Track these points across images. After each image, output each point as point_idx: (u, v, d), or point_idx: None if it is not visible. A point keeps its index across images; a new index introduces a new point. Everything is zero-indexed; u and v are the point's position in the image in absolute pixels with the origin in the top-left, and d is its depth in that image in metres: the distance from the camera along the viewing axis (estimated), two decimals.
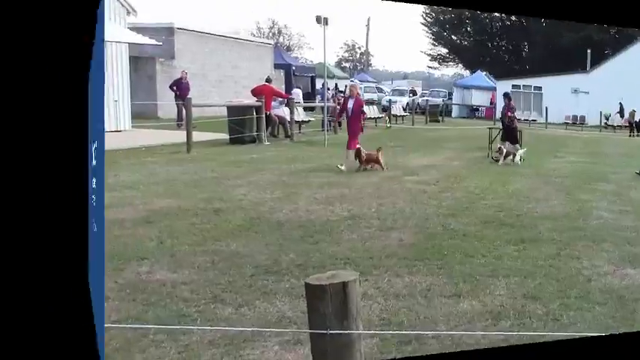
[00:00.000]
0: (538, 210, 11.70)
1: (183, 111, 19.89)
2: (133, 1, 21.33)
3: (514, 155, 18.90)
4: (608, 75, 48.60)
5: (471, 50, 75.29)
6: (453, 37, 77.23)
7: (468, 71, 76.60)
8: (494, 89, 55.17)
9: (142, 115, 23.42)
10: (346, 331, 2.52)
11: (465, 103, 56.21)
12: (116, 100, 20.35)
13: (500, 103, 51.01)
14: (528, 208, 11.92)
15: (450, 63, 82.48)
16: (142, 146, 17.73)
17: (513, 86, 54.08)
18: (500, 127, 21.04)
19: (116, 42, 19.67)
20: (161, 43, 24.39)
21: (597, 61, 52.29)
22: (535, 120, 48.21)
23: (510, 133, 20.07)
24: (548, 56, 66.35)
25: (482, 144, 21.85)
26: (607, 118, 45.08)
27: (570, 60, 61.71)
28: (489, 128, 22.45)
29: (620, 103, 45.18)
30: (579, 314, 6.23)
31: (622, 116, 45.16)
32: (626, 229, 9.93)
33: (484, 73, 61.78)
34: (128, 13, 21.20)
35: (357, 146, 15.19)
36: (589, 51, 54.07)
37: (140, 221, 9.01)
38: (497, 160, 18.92)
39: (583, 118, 48.09)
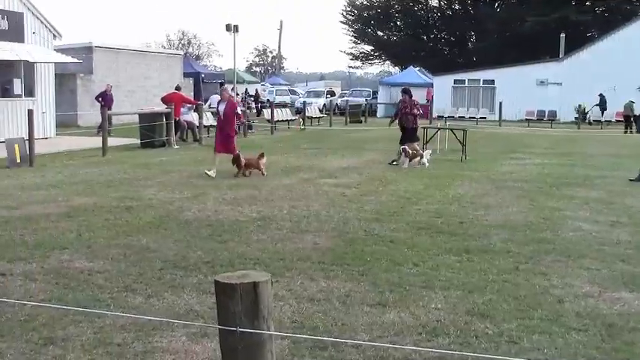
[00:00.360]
0: (489, 218, 11.80)
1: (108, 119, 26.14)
2: (58, 25, 29.60)
3: (421, 156, 19.83)
4: (585, 63, 50.71)
5: (400, 45, 79.92)
6: (379, 32, 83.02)
7: (397, 68, 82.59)
8: (430, 85, 57.33)
9: (65, 123, 31.11)
10: (257, 331, 3.04)
11: (394, 102, 58.00)
12: (44, 112, 27.87)
13: (446, 99, 53.71)
14: (475, 215, 12.06)
15: (375, 61, 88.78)
16: (65, 151, 23.20)
17: (456, 81, 56.13)
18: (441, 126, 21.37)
19: (45, 62, 27.98)
20: (81, 61, 33.27)
21: (572, 48, 54.17)
22: (484, 117, 50.14)
23: (412, 134, 20.71)
24: (502, 45, 68.74)
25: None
26: (584, 113, 46.93)
27: (536, 48, 64.30)
28: (423, 128, 22.90)
29: (602, 94, 47.16)
30: (546, 339, 6.14)
31: (603, 110, 47.21)
32: (617, 244, 10.04)
33: (417, 68, 64.14)
34: (54, 37, 29.15)
35: (236, 152, 17.48)
36: (562, 35, 56.06)
37: (62, 216, 11.63)
38: (396, 163, 19.88)
39: (553, 113, 49.76)
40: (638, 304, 7.23)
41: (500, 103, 46.88)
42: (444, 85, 55.83)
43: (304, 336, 6.02)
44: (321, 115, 45.74)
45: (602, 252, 9.51)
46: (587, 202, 13.77)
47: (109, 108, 28.59)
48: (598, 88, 47.64)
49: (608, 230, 11.00)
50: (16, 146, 18.71)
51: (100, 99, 31.55)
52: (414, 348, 5.73)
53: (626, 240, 10.28)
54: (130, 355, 5.59)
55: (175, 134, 26.09)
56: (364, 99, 59.49)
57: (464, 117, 50.26)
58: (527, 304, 7.14)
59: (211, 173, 16.75)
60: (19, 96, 26.77)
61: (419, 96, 55.52)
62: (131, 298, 7.18)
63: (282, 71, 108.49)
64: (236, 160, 17.22)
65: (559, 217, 12.02)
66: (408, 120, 20.68)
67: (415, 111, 20.79)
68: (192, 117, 28.59)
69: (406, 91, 21.45)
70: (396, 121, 21.18)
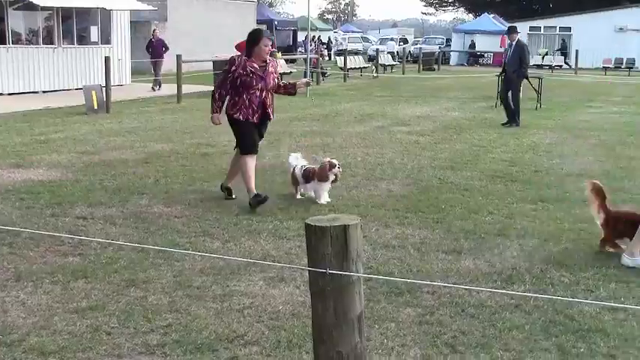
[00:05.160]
0: (564, 167, 11.66)
1: (160, 70, 27.61)
2: None
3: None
4: None
5: None
6: None
7: (471, 15, 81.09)
8: (505, 33, 55.90)
9: (140, 71, 30.85)
10: (346, 273, 3.12)
11: (467, 50, 57.58)
12: (120, 59, 28.17)
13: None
14: (550, 164, 11.93)
15: (449, 7, 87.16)
16: (140, 98, 24.05)
17: (531, 28, 54.83)
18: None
19: (121, 10, 28.45)
20: (156, 8, 33.37)
21: None
22: (561, 66, 48.96)
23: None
24: None
25: (488, 93, 22.09)
26: None
27: None
28: (497, 75, 22.53)
29: None
30: (623, 287, 6.06)
31: None
32: None
33: (492, 15, 62.81)
34: None
35: None
36: None
37: (139, 162, 11.94)
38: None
39: (632, 61, 48.30)
40: None
41: (577, 51, 45.67)
42: (520, 32, 54.52)
43: (386, 277, 6.09)
44: (395, 63, 45.34)
45: None
46: None
47: (159, 56, 27.73)
48: None
49: None
50: (94, 93, 19.06)
51: (149, 49, 28.69)
52: (490, 291, 5.75)
53: None
54: (209, 298, 5.69)
55: None
56: (437, 46, 58.78)
57: (540, 65, 49.20)
58: (604, 253, 7.04)
59: None
60: (96, 43, 27.23)
61: (493, 43, 55.26)
62: (209, 243, 7.29)
63: (354, 18, 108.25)
64: None
65: (636, 167, 11.78)
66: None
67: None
68: None
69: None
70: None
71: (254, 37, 8.72)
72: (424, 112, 20.03)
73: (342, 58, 35.54)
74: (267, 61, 8.77)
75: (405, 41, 64.80)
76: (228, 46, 33.83)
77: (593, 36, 49.48)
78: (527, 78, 18.14)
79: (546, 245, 7.27)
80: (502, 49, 51.12)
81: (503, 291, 5.88)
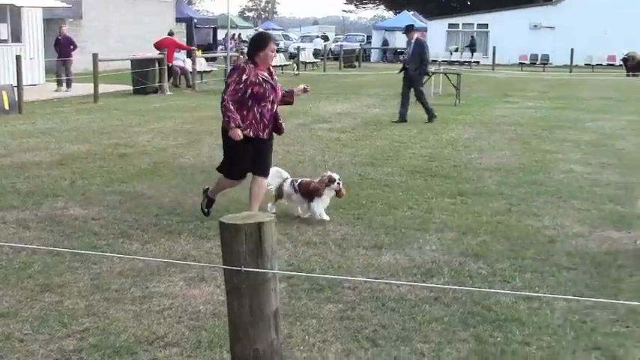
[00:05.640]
0: (482, 161, 11.90)
1: (69, 69, 26.13)
2: None
3: None
4: (578, 7, 50.34)
5: None
6: None
7: (391, 12, 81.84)
8: (424, 30, 57.00)
9: (54, 69, 28.74)
10: (261, 270, 3.13)
11: (387, 47, 58.32)
12: (32, 58, 27.16)
13: (440, 44, 53.48)
14: (469, 158, 12.16)
15: (369, 4, 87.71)
16: (55, 98, 23.40)
17: (450, 25, 55.79)
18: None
19: (31, 7, 27.57)
20: (70, 5, 32.63)
21: None
22: (478, 62, 49.97)
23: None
24: None
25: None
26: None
27: None
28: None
29: None
30: (537, 277, 6.25)
31: None
32: (606, 185, 10.15)
33: (411, 12, 63.74)
34: None
35: None
36: None
37: (54, 163, 11.58)
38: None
39: (546, 57, 49.95)
40: (625, 243, 7.38)
41: (494, 48, 46.70)
42: (438, 29, 55.51)
43: (305, 274, 6.16)
44: (316, 61, 45.66)
45: (593, 193, 9.64)
46: (578, 144, 13.88)
47: (67, 54, 25.88)
48: (590, 32, 47.57)
49: (599, 172, 11.12)
50: (4, 93, 18.48)
51: (57, 47, 26.75)
52: (410, 285, 5.82)
53: (615, 181, 10.41)
54: (128, 300, 5.63)
55: (168, 80, 26.04)
56: (358, 44, 59.03)
57: (458, 61, 50.00)
58: (520, 244, 7.24)
59: None
60: (6, 41, 26.37)
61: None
62: (127, 245, 7.20)
63: (275, 16, 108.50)
64: None
65: (551, 160, 12.12)
66: None
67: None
68: (186, 63, 28.59)
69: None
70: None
71: (260, 41, 7.87)
72: (345, 109, 20.17)
73: None
74: (271, 68, 8.03)
75: (326, 39, 65.08)
76: (147, 44, 33.76)
77: (510, 33, 50.61)
78: (428, 74, 18.45)
79: (464, 238, 7.42)
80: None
81: (423, 284, 6.00)
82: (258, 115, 7.70)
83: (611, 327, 5.17)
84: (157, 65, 25.21)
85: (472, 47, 52.51)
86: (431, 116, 17.19)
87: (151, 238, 7.44)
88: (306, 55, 44.71)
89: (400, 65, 18.82)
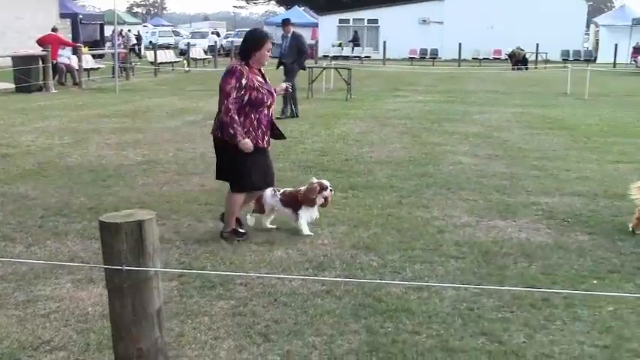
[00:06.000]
0: (373, 155, 12.06)
1: None
2: None
3: None
4: (465, 2, 51.86)
5: None
6: None
7: (282, 8, 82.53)
8: (315, 25, 57.50)
9: None
10: (143, 268, 3.11)
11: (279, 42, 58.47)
12: None
13: (331, 39, 53.92)
14: (360, 152, 12.30)
15: (260, 0, 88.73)
16: None
17: (341, 20, 56.39)
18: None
19: None
20: None
21: None
22: (369, 56, 50.69)
23: None
24: None
25: (300, 84, 22.36)
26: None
27: None
28: (308, 67, 22.99)
29: None
30: (427, 267, 6.39)
31: None
32: (493, 176, 10.45)
33: (302, 8, 64.04)
34: None
35: None
36: None
37: None
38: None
39: (435, 51, 51.19)
40: (510, 231, 7.62)
41: (384, 42, 47.48)
42: (329, 24, 56.02)
43: (190, 271, 6.11)
44: (206, 57, 45.42)
45: (480, 184, 9.91)
46: (466, 136, 14.24)
47: None
48: (477, 27, 49.01)
49: (486, 163, 11.44)
50: None
51: None
52: (302, 278, 5.87)
53: (501, 172, 10.74)
54: (11, 305, 5.45)
55: (53, 78, 25.50)
56: None
57: (349, 56, 50.55)
58: (410, 235, 7.38)
59: None
60: None
61: (304, 36, 56.30)
62: (10, 248, 6.97)
63: (164, 12, 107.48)
64: None
65: (440, 152, 12.39)
66: None
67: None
68: (71, 60, 27.96)
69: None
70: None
71: (256, 40, 7.10)
72: None
73: (153, 52, 35.07)
74: (262, 69, 7.28)
75: (217, 35, 64.63)
76: (29, 41, 32.72)
77: (400, 28, 51.57)
78: (304, 68, 18.40)
79: (356, 231, 7.52)
80: (313, 42, 52.70)
81: (315, 277, 6.07)
82: (255, 122, 7.04)
83: (496, 313, 5.33)
84: (40, 62, 24.56)
85: (355, 42, 53.21)
86: (294, 113, 17.24)
87: (35, 240, 7.23)
88: (197, 52, 44.43)
89: (277, 61, 18.63)
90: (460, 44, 46.39)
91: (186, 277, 5.97)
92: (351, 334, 4.94)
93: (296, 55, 17.55)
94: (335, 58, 46.67)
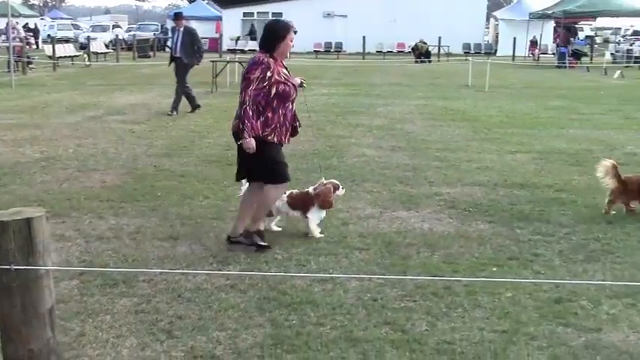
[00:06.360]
0: None
1: None
2: None
3: None
4: None
5: None
6: None
7: (185, 1, 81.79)
8: (219, 19, 57.23)
9: None
10: (32, 267, 3.03)
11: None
12: None
13: (236, 33, 53.63)
14: None
15: None
16: None
17: (245, 14, 56.17)
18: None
19: None
20: None
21: None
22: None
23: None
24: None
25: (204, 78, 22.30)
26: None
27: None
28: (212, 61, 22.88)
29: None
30: (332, 259, 6.43)
31: None
32: (396, 167, 10.62)
33: (205, 1, 63.67)
34: None
35: None
36: None
37: None
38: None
39: (340, 44, 51.58)
40: (413, 222, 7.76)
41: None
42: (233, 18, 55.76)
43: (91, 268, 5.99)
44: (109, 51, 44.57)
45: (384, 175, 10.06)
46: (370, 129, 14.41)
47: None
48: (380, 20, 49.64)
49: (389, 155, 11.61)
50: None
51: None
52: (206, 273, 5.84)
53: (404, 163, 10.92)
54: None
55: None
56: (152, 33, 58.15)
57: (254, 50, 50.27)
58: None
59: None
60: None
61: (208, 30, 55.93)
62: None
63: (63, 4, 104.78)
64: None
65: (344, 145, 12.51)
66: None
67: None
68: None
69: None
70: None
71: (279, 30, 6.69)
72: (139, 100, 19.81)
73: (51, 46, 34.24)
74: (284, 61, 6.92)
75: (119, 28, 63.60)
76: None
77: (304, 21, 51.49)
78: (197, 64, 17.48)
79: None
80: (217, 35, 52.39)
81: (219, 272, 6.04)
82: (282, 118, 6.64)
83: (400, 302, 5.41)
84: None
85: (252, 35, 53.17)
86: (175, 108, 16.69)
87: None
88: (98, 46, 43.56)
89: (167, 55, 18.16)
90: (364, 37, 46.84)
91: (87, 276, 5.85)
92: (255, 328, 4.94)
93: (190, 50, 16.88)
94: (241, 52, 46.59)
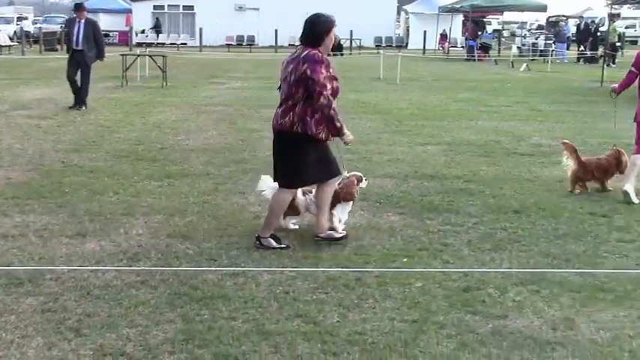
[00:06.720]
0: (189, 142, 12.00)
1: None
2: None
3: None
4: None
5: None
6: None
7: None
8: (129, 11, 56.39)
9: None
10: None
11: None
12: None
13: (146, 26, 52.86)
14: (176, 140, 12.22)
15: None
16: None
17: (155, 7, 55.42)
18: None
19: None
20: None
21: None
22: (185, 43, 50.19)
23: None
24: None
25: (114, 72, 21.99)
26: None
27: None
28: (122, 55, 22.56)
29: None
30: (244, 253, 6.42)
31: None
32: None
33: None
34: None
35: None
36: None
37: None
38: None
39: (252, 38, 51.34)
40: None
41: (201, 29, 47.18)
42: (143, 11, 54.97)
43: (16, 268, 5.88)
44: (13, 44, 43.34)
45: None
46: None
47: None
48: (292, 13, 49.64)
49: None
50: None
51: None
52: (116, 269, 5.76)
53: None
54: None
55: None
56: (59, 26, 56.73)
57: (164, 43, 49.76)
58: (227, 222, 7.41)
59: None
60: None
61: (118, 23, 55.08)
62: None
63: None
64: None
65: (257, 138, 12.48)
66: None
67: None
68: None
69: None
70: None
71: (323, 25, 6.44)
72: (46, 95, 19.33)
73: None
74: None
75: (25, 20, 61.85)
76: None
77: (216, 14, 51.29)
78: (101, 59, 16.99)
79: (172, 220, 7.45)
80: (127, 28, 51.58)
81: (129, 268, 5.96)
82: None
83: (311, 295, 5.45)
84: None
85: (157, 29, 52.83)
86: (83, 103, 16.28)
87: None
88: (2, 38, 42.29)
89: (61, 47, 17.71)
90: (276, 31, 46.76)
91: None
92: (166, 324, 4.90)
93: (93, 43, 16.38)
94: (150, 45, 45.96)
